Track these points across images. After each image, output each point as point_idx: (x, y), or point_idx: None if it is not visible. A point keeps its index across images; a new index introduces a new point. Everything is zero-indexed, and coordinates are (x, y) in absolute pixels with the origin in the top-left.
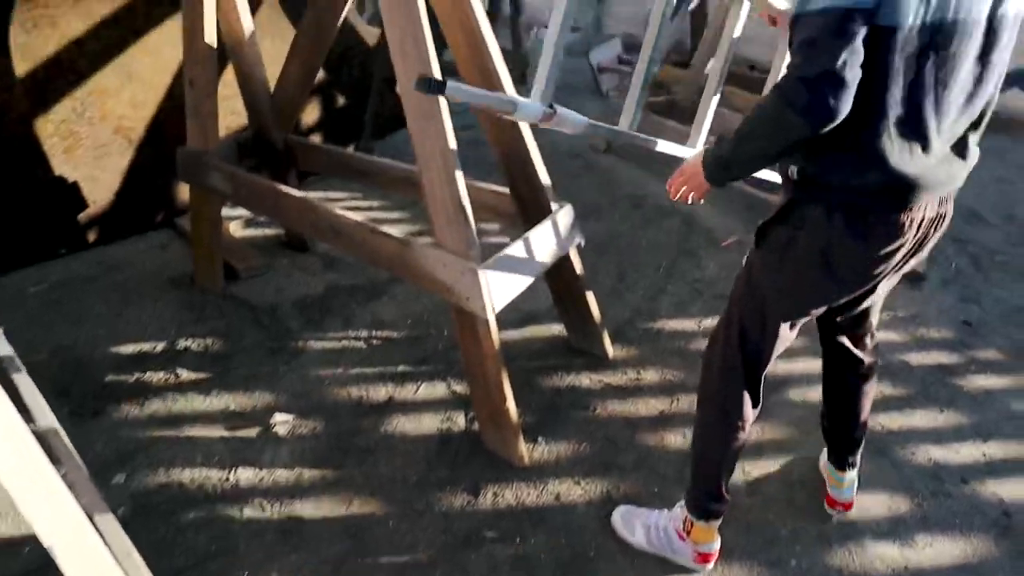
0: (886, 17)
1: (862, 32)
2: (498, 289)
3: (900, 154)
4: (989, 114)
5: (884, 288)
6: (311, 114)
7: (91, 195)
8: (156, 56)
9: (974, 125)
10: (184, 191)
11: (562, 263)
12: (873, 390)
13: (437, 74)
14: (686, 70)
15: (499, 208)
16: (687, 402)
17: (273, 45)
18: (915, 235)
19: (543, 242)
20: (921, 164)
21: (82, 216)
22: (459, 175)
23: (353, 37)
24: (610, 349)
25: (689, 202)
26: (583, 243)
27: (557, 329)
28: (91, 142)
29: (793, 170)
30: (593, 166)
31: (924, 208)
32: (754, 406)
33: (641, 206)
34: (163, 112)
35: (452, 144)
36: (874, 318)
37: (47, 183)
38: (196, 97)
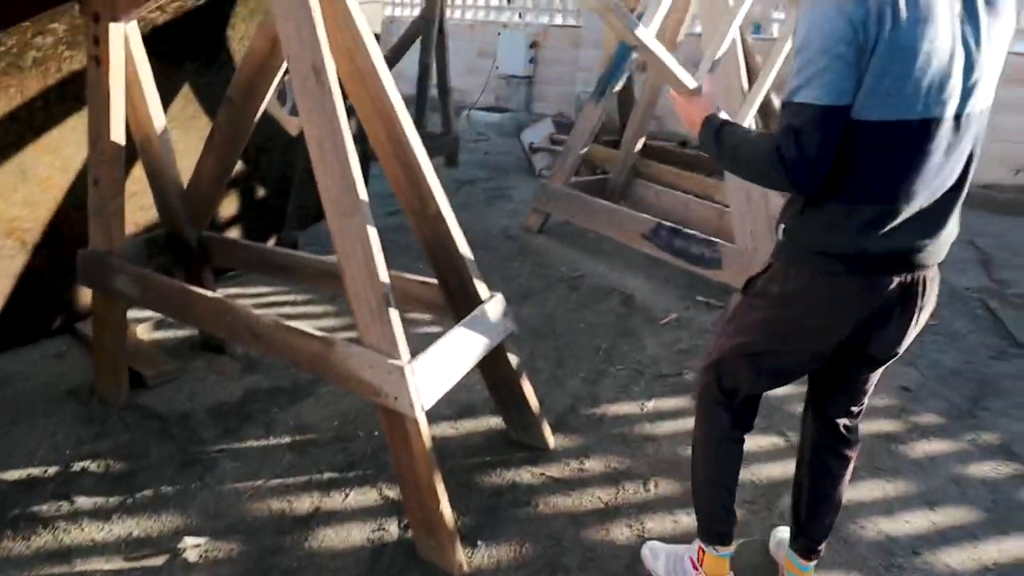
0: (860, 112)
1: (840, 124)
2: (427, 387)
3: (868, 229)
4: (963, 195)
5: (860, 372)
6: (229, 207)
7: None
8: (56, 155)
9: (947, 207)
10: (86, 294)
11: (495, 354)
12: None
13: (358, 177)
14: (616, 150)
15: (427, 299)
16: (633, 490)
17: (187, 138)
18: (889, 304)
19: (473, 334)
20: (889, 241)
21: None
22: (382, 270)
23: (274, 128)
24: (551, 439)
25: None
26: (516, 332)
27: (495, 421)
28: None
29: (780, 229)
30: (527, 248)
31: (893, 279)
32: (734, 426)
33: (578, 288)
34: (63, 212)
35: (374, 240)
36: (866, 397)
37: None
38: (100, 197)
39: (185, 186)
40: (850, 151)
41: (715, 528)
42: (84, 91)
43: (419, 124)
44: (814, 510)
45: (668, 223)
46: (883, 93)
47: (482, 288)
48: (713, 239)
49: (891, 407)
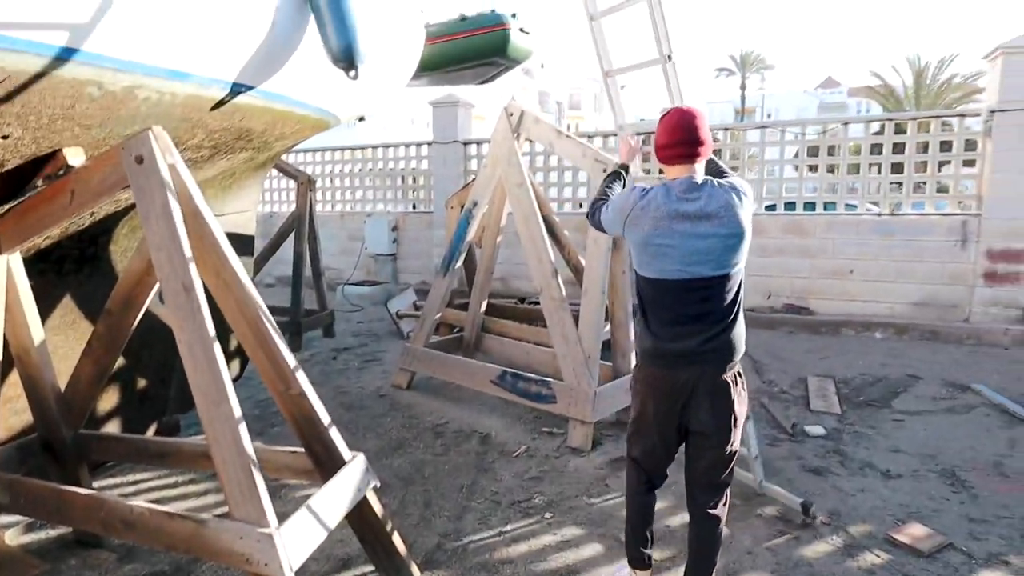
0: (638, 268)
1: (599, 225)
2: (295, 548)
3: (663, 338)
4: (729, 321)
5: (697, 449)
6: (110, 400)
7: None
8: None
9: (716, 327)
10: None
11: (362, 507)
12: (716, 540)
13: (224, 372)
14: (466, 312)
15: (298, 467)
16: None
17: (67, 342)
18: (688, 391)
19: (338, 493)
20: (679, 346)
21: None
22: (249, 449)
23: (154, 323)
24: None
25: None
26: (378, 485)
27: (369, 569)
28: None
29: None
30: (397, 403)
31: (687, 373)
32: (642, 483)
33: (442, 434)
34: None
35: (240, 423)
36: (711, 476)
37: None
38: None
39: (63, 388)
40: (644, 290)
41: (633, 555)
42: None
43: (296, 303)
44: (691, 560)
45: (511, 369)
46: (640, 261)
47: (345, 450)
48: (547, 379)
49: None
